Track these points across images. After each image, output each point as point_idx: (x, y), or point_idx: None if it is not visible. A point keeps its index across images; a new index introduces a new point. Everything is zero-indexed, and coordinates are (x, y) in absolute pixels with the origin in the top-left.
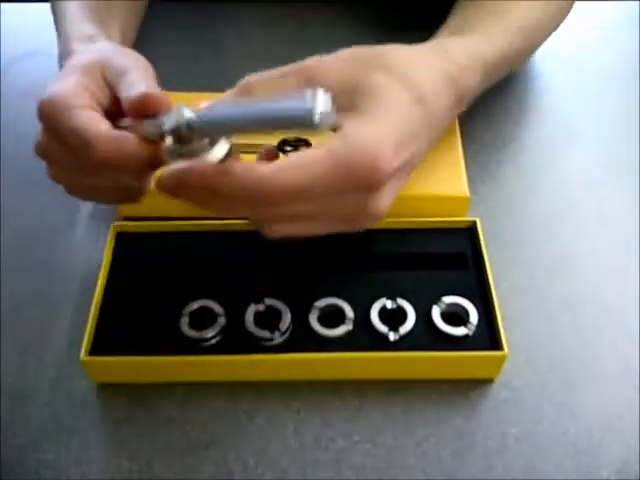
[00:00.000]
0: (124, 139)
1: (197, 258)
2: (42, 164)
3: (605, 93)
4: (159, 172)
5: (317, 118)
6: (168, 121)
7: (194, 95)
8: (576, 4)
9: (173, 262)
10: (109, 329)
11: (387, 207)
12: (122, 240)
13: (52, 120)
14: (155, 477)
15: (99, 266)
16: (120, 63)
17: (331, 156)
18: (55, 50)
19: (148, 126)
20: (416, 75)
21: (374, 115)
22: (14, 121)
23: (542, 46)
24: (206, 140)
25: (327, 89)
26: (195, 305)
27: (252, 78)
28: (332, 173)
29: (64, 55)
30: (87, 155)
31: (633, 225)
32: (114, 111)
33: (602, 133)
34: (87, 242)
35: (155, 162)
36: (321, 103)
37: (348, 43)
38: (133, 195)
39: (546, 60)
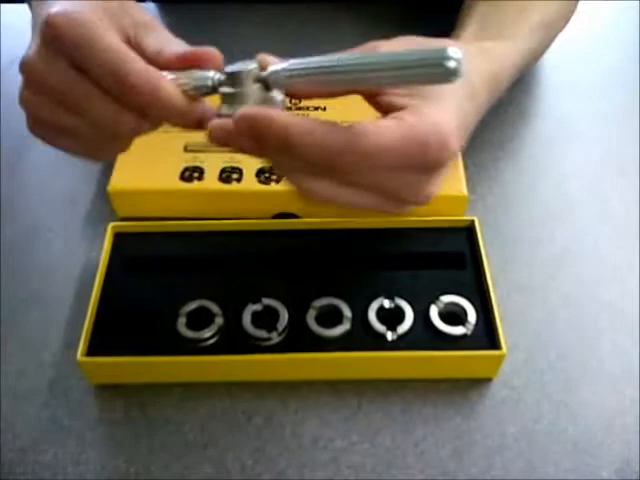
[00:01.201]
0: (162, 77)
1: (194, 258)
2: (42, 166)
3: (604, 92)
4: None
5: (454, 64)
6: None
7: None
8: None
9: (170, 262)
10: (106, 330)
11: (436, 192)
12: (119, 240)
13: (69, 38)
14: (153, 478)
15: (96, 266)
16: (141, 13)
17: (406, 128)
18: None
19: (200, 75)
20: (471, 75)
21: (439, 101)
22: (14, 120)
23: None
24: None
25: None
26: (192, 305)
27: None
28: (405, 145)
29: None
30: (110, 85)
31: (633, 224)
32: None
33: (601, 132)
34: (84, 242)
35: (185, 117)
36: (456, 53)
37: (349, 43)
38: (115, 147)
39: (545, 59)
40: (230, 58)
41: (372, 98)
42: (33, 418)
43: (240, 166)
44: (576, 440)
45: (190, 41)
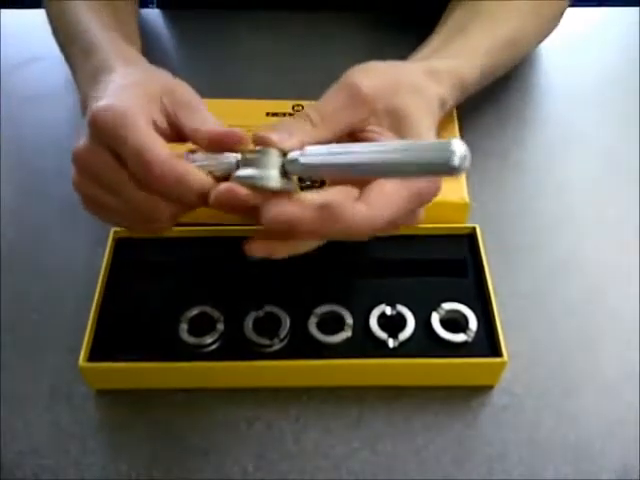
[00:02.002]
0: (183, 165)
1: (196, 264)
2: (44, 170)
3: (606, 98)
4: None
5: (457, 162)
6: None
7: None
8: (575, 8)
9: (172, 268)
10: (108, 335)
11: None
12: (121, 246)
13: (109, 131)
14: None
15: (98, 272)
16: (184, 93)
17: (409, 186)
18: (56, 55)
19: (226, 158)
20: (424, 95)
21: (415, 137)
22: (16, 126)
23: (541, 51)
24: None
25: (371, 110)
26: (194, 311)
27: (311, 109)
28: (409, 199)
29: (102, 72)
30: (140, 174)
31: (634, 230)
32: (168, 138)
33: (602, 138)
34: (86, 248)
35: (203, 197)
36: (460, 147)
37: (347, 48)
38: (156, 227)
39: (545, 65)
40: (230, 64)
41: (358, 134)
42: (34, 423)
43: None
44: (577, 447)
45: (195, 47)
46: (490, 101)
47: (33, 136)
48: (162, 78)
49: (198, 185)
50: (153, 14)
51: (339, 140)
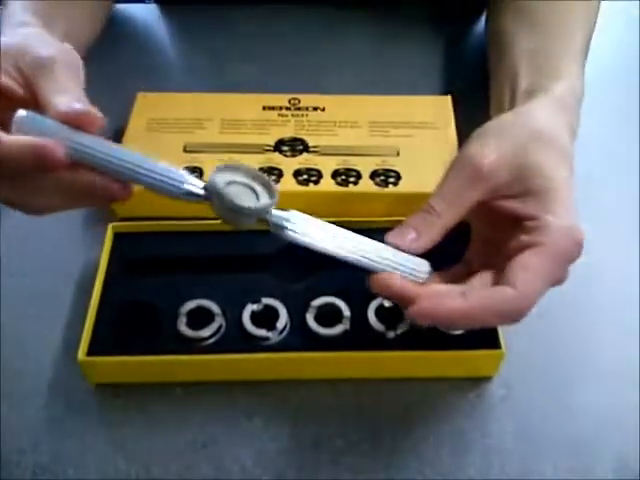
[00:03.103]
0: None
1: (194, 258)
2: None
3: (604, 92)
4: None
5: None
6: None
7: (192, 96)
8: None
9: (170, 262)
10: (107, 329)
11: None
12: (120, 240)
13: None
14: (153, 478)
15: (97, 266)
16: (41, 53)
17: (553, 255)
18: None
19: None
20: (564, 143)
21: (558, 197)
22: None
23: None
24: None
25: (496, 184)
26: (192, 305)
27: (433, 198)
28: (558, 267)
29: None
30: None
31: (632, 225)
32: (26, 100)
33: (601, 133)
34: (85, 242)
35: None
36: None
37: (346, 45)
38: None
39: None
40: (228, 60)
41: (489, 203)
42: (33, 418)
43: None
44: (574, 439)
45: (191, 42)
46: (487, 97)
47: None
48: (28, 38)
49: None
50: (149, 9)
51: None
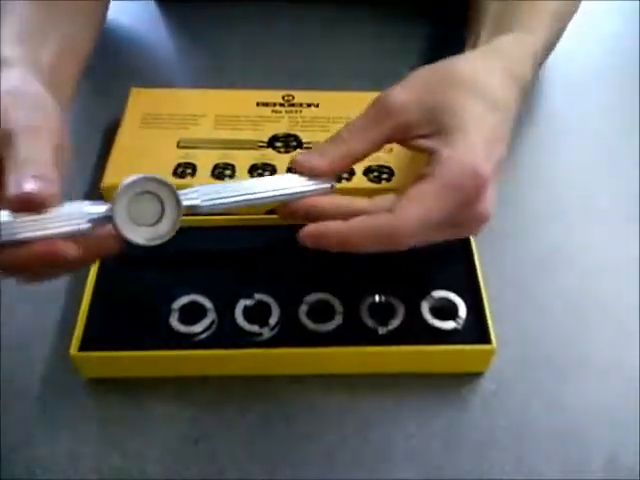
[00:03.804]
0: None
1: (187, 253)
2: None
3: (598, 89)
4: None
5: None
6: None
7: (187, 91)
8: None
9: (163, 257)
10: (100, 324)
11: (493, 206)
12: None
13: None
14: (146, 472)
15: None
16: (12, 121)
17: (439, 184)
18: None
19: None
20: (485, 84)
21: (462, 133)
22: None
23: None
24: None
25: (408, 121)
26: (185, 300)
27: (342, 131)
28: (444, 198)
29: None
30: None
31: (624, 220)
32: None
33: (594, 129)
34: None
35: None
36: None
37: (347, 41)
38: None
39: None
40: (228, 56)
41: (401, 142)
42: (26, 413)
43: (233, 162)
44: (566, 433)
45: (188, 38)
46: None
47: None
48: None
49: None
50: (146, 5)
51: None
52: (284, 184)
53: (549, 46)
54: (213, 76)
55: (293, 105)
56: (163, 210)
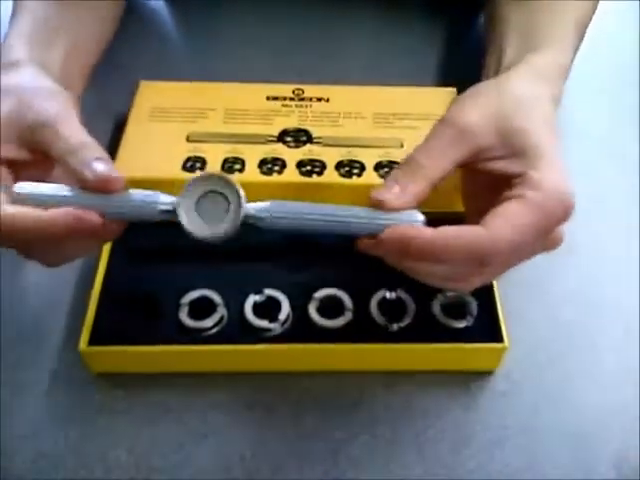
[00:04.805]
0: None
1: (196, 248)
2: None
3: (606, 89)
4: None
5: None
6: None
7: (196, 85)
8: None
9: (172, 252)
10: (108, 319)
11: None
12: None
13: None
14: (152, 467)
15: (99, 256)
16: (40, 115)
17: (533, 207)
18: None
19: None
20: (544, 108)
21: (542, 156)
22: None
23: None
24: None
25: (484, 143)
26: (194, 295)
27: (417, 155)
28: (538, 220)
29: None
30: None
31: (634, 221)
32: (40, 167)
33: (603, 129)
34: None
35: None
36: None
37: (349, 34)
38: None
39: None
40: (235, 47)
41: (473, 165)
42: (34, 407)
43: (242, 156)
44: (575, 434)
45: (197, 31)
46: None
47: None
48: (21, 100)
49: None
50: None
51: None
52: (369, 214)
53: (574, 58)
54: (222, 70)
55: (303, 99)
56: (227, 210)
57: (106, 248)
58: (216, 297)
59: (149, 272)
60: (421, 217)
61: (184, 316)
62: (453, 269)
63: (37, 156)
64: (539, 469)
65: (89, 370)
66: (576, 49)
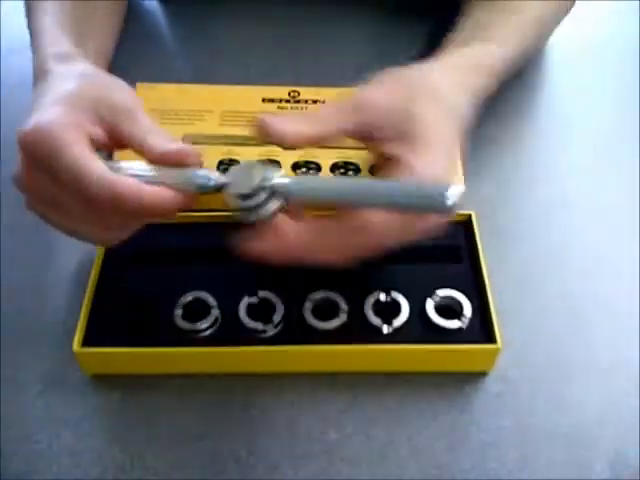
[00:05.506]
0: (120, 183)
1: (191, 250)
2: None
3: (604, 87)
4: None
5: (450, 202)
6: (251, 181)
7: (192, 87)
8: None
9: (167, 254)
10: (102, 320)
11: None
12: None
13: (40, 153)
14: (148, 469)
15: (93, 257)
16: (121, 99)
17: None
18: None
19: (195, 179)
20: (442, 92)
21: (425, 143)
22: (12, 112)
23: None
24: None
25: (376, 118)
26: (189, 297)
27: (315, 112)
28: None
29: (39, 73)
30: (78, 195)
31: (630, 219)
32: (107, 148)
33: (601, 127)
34: None
35: (154, 211)
36: (454, 189)
37: (346, 36)
38: (108, 239)
39: (545, 55)
40: (231, 50)
41: (365, 141)
42: (29, 408)
43: (238, 158)
44: (570, 433)
45: (193, 34)
46: None
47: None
48: (97, 84)
49: (136, 201)
50: (152, 1)
51: (331, 140)
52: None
53: (518, 59)
54: (218, 72)
55: (299, 101)
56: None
57: (100, 250)
58: (210, 299)
59: (143, 274)
60: (455, 190)
61: (178, 318)
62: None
63: (109, 137)
64: (534, 469)
65: (83, 372)
66: (526, 46)
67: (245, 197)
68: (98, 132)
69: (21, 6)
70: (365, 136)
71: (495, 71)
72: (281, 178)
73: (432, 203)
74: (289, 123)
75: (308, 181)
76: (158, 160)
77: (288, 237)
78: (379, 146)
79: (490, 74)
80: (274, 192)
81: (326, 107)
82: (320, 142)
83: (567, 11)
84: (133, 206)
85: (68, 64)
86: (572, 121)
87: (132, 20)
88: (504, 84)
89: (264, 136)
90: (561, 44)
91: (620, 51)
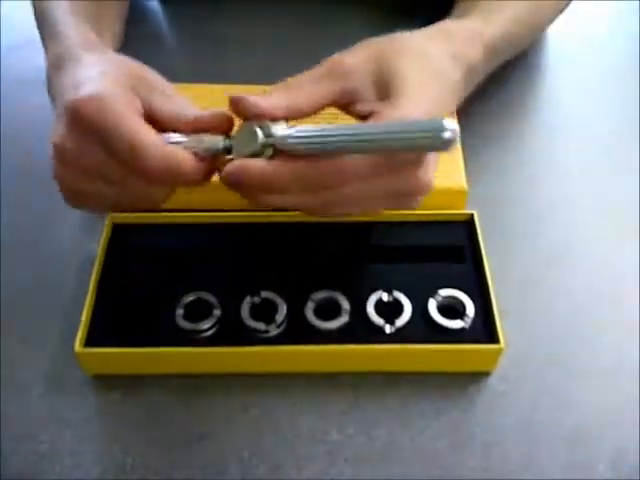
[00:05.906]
0: (178, 153)
1: (193, 250)
2: (42, 156)
3: (606, 87)
4: None
5: (449, 135)
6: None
7: (195, 86)
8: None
9: (169, 254)
10: (104, 321)
11: (433, 176)
12: (118, 231)
13: (95, 122)
14: (149, 469)
15: (95, 257)
16: (153, 79)
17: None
18: None
19: (211, 140)
20: (430, 56)
21: (406, 98)
22: (14, 109)
23: (542, 39)
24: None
25: (356, 86)
26: (190, 297)
27: (290, 79)
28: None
29: (65, 61)
30: (132, 164)
31: (632, 218)
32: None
33: (602, 127)
34: (84, 234)
35: (200, 178)
36: (449, 122)
37: (345, 34)
38: (151, 203)
39: (547, 53)
40: (231, 50)
41: (346, 107)
42: (30, 408)
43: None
44: (573, 433)
45: (191, 33)
46: (489, 88)
47: (31, 119)
48: (128, 66)
49: (193, 171)
50: (151, 1)
51: (317, 112)
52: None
53: (510, 39)
54: (216, 72)
55: None
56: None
57: (102, 249)
58: (212, 299)
59: (145, 274)
60: (450, 125)
61: (180, 318)
62: (301, 197)
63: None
64: (536, 469)
65: (84, 372)
66: (514, 31)
67: (253, 156)
68: (141, 108)
69: (21, 5)
70: (345, 102)
71: (489, 45)
72: (283, 130)
73: (428, 137)
74: (263, 97)
75: (310, 131)
76: (192, 128)
77: (259, 164)
78: (360, 108)
79: (486, 46)
80: (278, 148)
81: (304, 77)
82: (301, 117)
83: (565, 5)
84: (192, 178)
85: (98, 51)
86: (574, 120)
87: (132, 20)
88: (504, 84)
89: (241, 111)
90: (562, 44)
91: (620, 51)
